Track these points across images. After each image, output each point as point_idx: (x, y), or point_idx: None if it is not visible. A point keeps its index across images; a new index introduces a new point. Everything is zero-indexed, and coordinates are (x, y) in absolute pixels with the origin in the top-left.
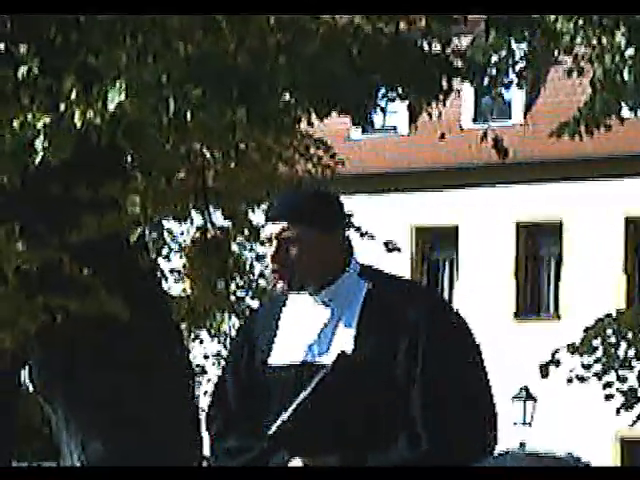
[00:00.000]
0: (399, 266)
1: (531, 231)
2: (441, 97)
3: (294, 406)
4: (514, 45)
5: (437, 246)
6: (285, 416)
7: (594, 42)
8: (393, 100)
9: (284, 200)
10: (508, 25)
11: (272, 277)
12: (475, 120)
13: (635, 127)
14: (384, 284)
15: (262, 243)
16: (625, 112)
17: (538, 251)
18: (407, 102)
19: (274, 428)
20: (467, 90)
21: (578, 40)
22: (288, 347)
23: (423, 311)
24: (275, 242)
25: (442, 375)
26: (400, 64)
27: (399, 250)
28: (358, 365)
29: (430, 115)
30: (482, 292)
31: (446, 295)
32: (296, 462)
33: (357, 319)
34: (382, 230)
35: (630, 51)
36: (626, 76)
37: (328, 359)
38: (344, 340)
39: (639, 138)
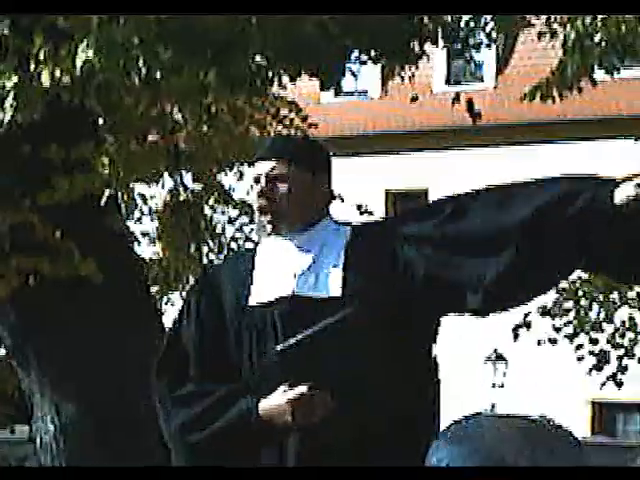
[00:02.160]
0: None
1: None
2: (413, 60)
3: (306, 333)
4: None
5: None
6: (293, 340)
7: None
8: (365, 63)
9: (275, 141)
10: None
11: (258, 214)
12: (447, 83)
13: (608, 89)
14: (364, 225)
15: (234, 206)
16: (597, 74)
17: None
18: (379, 65)
19: (282, 345)
20: (439, 53)
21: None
22: (272, 285)
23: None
24: (264, 179)
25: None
26: (372, 27)
27: (371, 213)
28: (372, 304)
29: (402, 78)
30: None
31: None
32: (267, 401)
33: (343, 259)
34: (354, 193)
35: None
36: (597, 38)
37: (320, 294)
38: (333, 279)
39: (612, 100)
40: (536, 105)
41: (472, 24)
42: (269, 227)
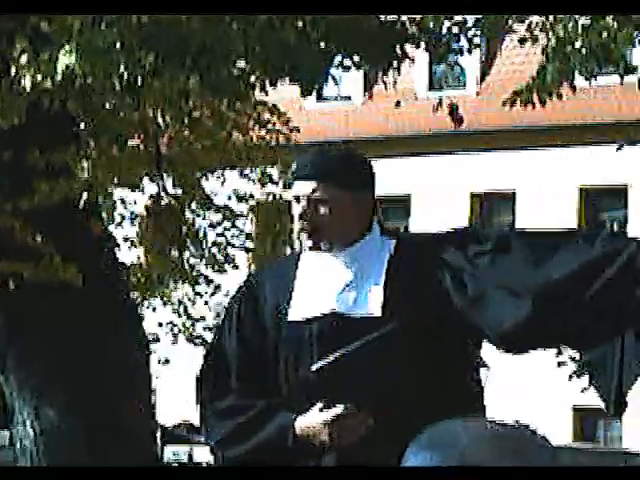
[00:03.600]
0: None
1: (485, 200)
2: (396, 65)
3: (341, 352)
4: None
5: (390, 215)
6: (330, 358)
7: None
8: (348, 69)
9: (314, 159)
10: None
11: (299, 236)
12: (430, 89)
13: (588, 96)
14: (409, 238)
15: (216, 210)
16: (578, 81)
17: (492, 220)
18: (362, 71)
19: (319, 364)
20: (421, 58)
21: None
22: (312, 302)
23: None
24: (304, 201)
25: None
26: (355, 32)
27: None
28: (410, 325)
29: (385, 84)
30: None
31: None
32: (304, 419)
33: (384, 277)
34: None
35: (583, 20)
36: (578, 44)
37: (360, 312)
38: (373, 298)
39: (592, 107)
40: (519, 111)
41: (455, 29)
42: (309, 243)
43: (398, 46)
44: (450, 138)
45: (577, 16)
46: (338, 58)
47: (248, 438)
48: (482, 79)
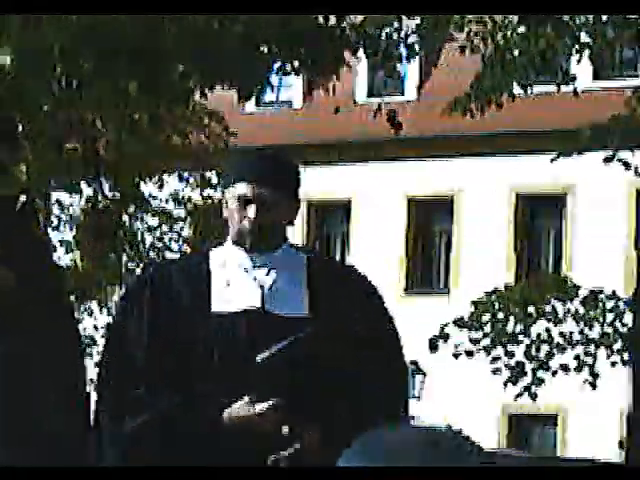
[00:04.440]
0: (292, 240)
1: (423, 206)
2: (336, 71)
3: (279, 346)
4: (405, 19)
5: (330, 220)
6: (273, 350)
7: (486, 19)
8: (288, 74)
9: (255, 162)
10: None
11: (235, 235)
12: (369, 95)
13: (525, 104)
14: (317, 256)
15: (154, 214)
16: (516, 89)
17: (429, 226)
18: (302, 76)
19: (262, 356)
20: (361, 64)
21: (470, 17)
22: (236, 295)
23: (366, 283)
24: (246, 202)
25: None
26: (295, 38)
27: (292, 224)
28: (334, 328)
29: (326, 89)
30: (373, 266)
31: None
32: (239, 408)
33: (305, 284)
34: None
35: (522, 28)
36: (516, 53)
37: (289, 311)
38: (299, 300)
39: (529, 115)
40: (457, 118)
41: (394, 36)
42: (248, 242)
43: (337, 52)
44: (389, 144)
45: (516, 25)
46: (278, 63)
47: (165, 430)
48: (421, 86)
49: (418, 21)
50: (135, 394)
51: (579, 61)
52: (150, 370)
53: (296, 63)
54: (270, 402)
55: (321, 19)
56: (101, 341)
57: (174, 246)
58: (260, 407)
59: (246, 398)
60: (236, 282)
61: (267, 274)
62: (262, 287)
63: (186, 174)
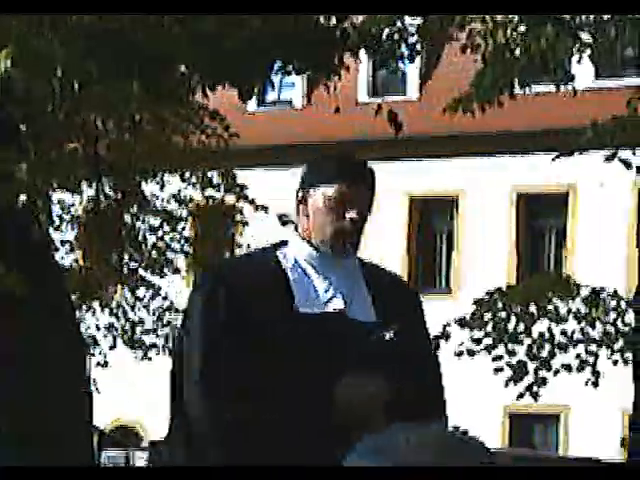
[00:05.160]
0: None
1: (424, 205)
2: (336, 71)
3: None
4: (407, 19)
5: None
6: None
7: (487, 18)
8: (289, 74)
9: (352, 162)
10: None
11: (321, 234)
12: (371, 94)
13: (526, 103)
14: (365, 260)
15: (156, 214)
16: (517, 89)
17: (431, 225)
18: (303, 76)
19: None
20: (363, 64)
21: (472, 16)
22: (320, 297)
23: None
24: (339, 202)
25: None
26: (296, 38)
27: (293, 223)
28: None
29: (327, 89)
30: None
31: None
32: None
33: (366, 289)
34: (278, 203)
35: (522, 28)
36: (517, 52)
37: (361, 317)
38: (366, 305)
39: (530, 114)
40: (459, 117)
41: (396, 36)
42: (338, 246)
43: (339, 52)
44: (390, 143)
45: (517, 23)
46: (279, 63)
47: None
48: (423, 85)
49: (420, 21)
50: (244, 408)
51: (579, 61)
52: (242, 371)
53: (297, 63)
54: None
55: (322, 19)
56: (103, 341)
57: (176, 246)
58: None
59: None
60: (318, 284)
61: (342, 277)
62: (342, 291)
63: (187, 174)
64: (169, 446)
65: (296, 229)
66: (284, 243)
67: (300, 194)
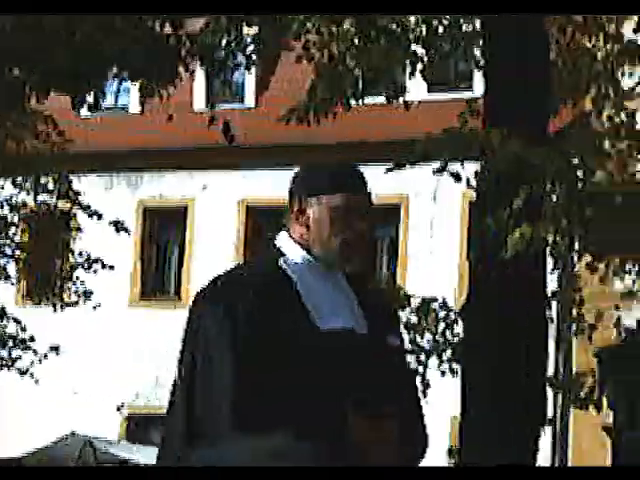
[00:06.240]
0: (128, 246)
1: (260, 212)
2: (171, 79)
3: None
4: (245, 29)
5: (165, 226)
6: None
7: (323, 30)
8: (125, 80)
9: (355, 173)
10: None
11: (345, 252)
12: (207, 102)
13: (362, 115)
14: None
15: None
16: (352, 100)
17: (267, 231)
18: (137, 83)
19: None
20: (200, 72)
21: (308, 26)
22: (334, 314)
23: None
24: (354, 214)
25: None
26: (130, 45)
27: (127, 231)
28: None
29: (161, 97)
30: (208, 274)
31: (174, 277)
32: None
33: (356, 301)
34: (112, 209)
35: (356, 40)
36: (351, 64)
37: (363, 330)
38: (360, 317)
39: (365, 126)
40: (295, 127)
41: (233, 45)
42: (345, 260)
43: (174, 60)
44: (226, 151)
45: (352, 36)
46: (114, 70)
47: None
48: (259, 94)
49: (256, 30)
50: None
51: (412, 74)
52: (275, 397)
53: (130, 70)
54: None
55: (158, 27)
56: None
57: (7, 251)
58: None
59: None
60: (326, 299)
61: (341, 291)
62: (347, 306)
63: (20, 179)
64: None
65: (290, 236)
66: (279, 251)
67: (297, 202)
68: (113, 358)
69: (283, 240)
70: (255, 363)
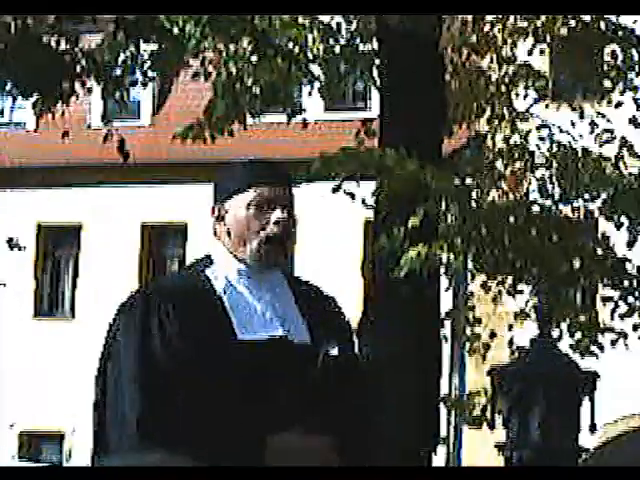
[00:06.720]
0: (23, 263)
1: (156, 231)
2: (64, 98)
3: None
4: (142, 45)
5: (60, 244)
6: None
7: (221, 47)
8: (18, 97)
9: (269, 165)
10: (137, 25)
11: (267, 246)
12: (103, 119)
13: (259, 133)
14: (289, 275)
15: None
16: (249, 119)
17: (163, 252)
18: (31, 100)
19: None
20: (97, 88)
21: (206, 44)
22: (256, 322)
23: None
24: (264, 206)
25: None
26: (23, 61)
27: (22, 248)
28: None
29: (53, 114)
30: (104, 292)
31: (69, 294)
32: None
33: (297, 306)
34: (6, 227)
35: (254, 58)
36: (249, 82)
37: (297, 339)
38: (300, 325)
39: (264, 143)
40: (192, 145)
41: (129, 62)
42: (274, 256)
43: (68, 77)
44: (121, 169)
45: (249, 54)
46: (8, 85)
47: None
48: (156, 112)
49: (154, 46)
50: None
51: (310, 93)
52: (182, 397)
53: (23, 87)
54: (325, 438)
55: (53, 44)
56: None
57: None
58: (314, 442)
59: (296, 429)
60: (254, 306)
61: (274, 295)
62: (278, 313)
63: None
64: None
65: (223, 245)
66: (209, 260)
67: (216, 212)
68: (4, 375)
69: (215, 250)
70: (162, 377)
